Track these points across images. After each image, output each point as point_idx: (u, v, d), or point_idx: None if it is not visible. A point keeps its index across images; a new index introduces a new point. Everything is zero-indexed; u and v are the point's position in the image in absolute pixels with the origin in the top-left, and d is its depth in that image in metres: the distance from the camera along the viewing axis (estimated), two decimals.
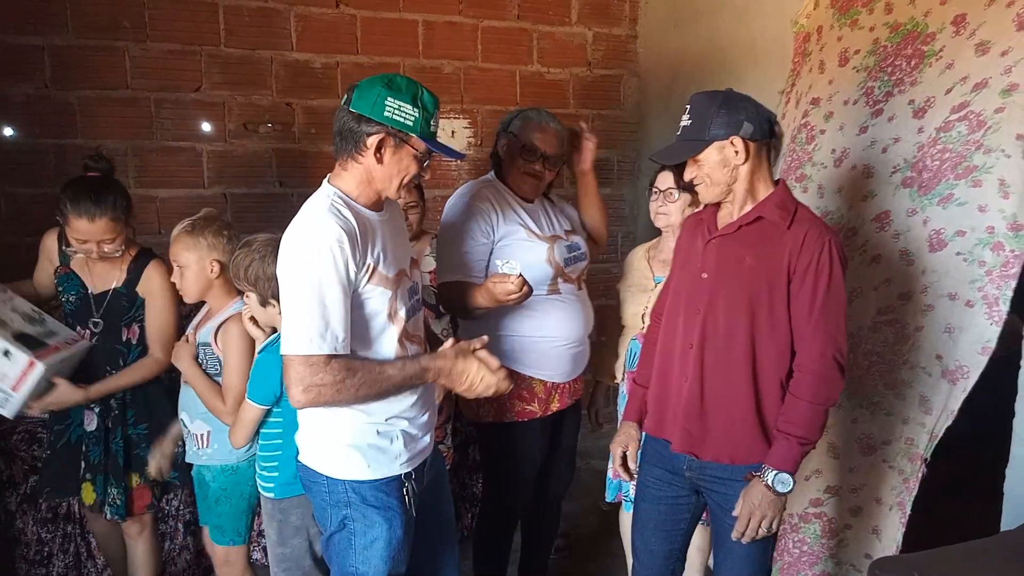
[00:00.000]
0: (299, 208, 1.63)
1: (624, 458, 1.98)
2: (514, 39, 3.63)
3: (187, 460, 2.17)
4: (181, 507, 2.71)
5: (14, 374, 2.03)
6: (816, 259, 1.68)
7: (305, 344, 1.53)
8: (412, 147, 1.63)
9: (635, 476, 1.97)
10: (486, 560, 2.39)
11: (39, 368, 2.03)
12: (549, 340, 2.21)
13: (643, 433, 1.98)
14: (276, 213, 3.14)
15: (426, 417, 1.75)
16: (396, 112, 1.59)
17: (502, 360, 2.07)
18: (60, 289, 2.28)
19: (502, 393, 1.74)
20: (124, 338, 2.28)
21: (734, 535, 1.74)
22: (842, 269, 1.70)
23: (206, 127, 3.14)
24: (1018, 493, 2.13)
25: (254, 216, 3.17)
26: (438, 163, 3.53)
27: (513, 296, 1.94)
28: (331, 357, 1.54)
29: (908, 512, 2.16)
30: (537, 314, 2.19)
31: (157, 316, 2.28)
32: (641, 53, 3.90)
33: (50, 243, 2.29)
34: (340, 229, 1.54)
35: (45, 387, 2.11)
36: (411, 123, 1.60)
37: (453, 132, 3.54)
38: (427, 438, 1.76)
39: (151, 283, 2.27)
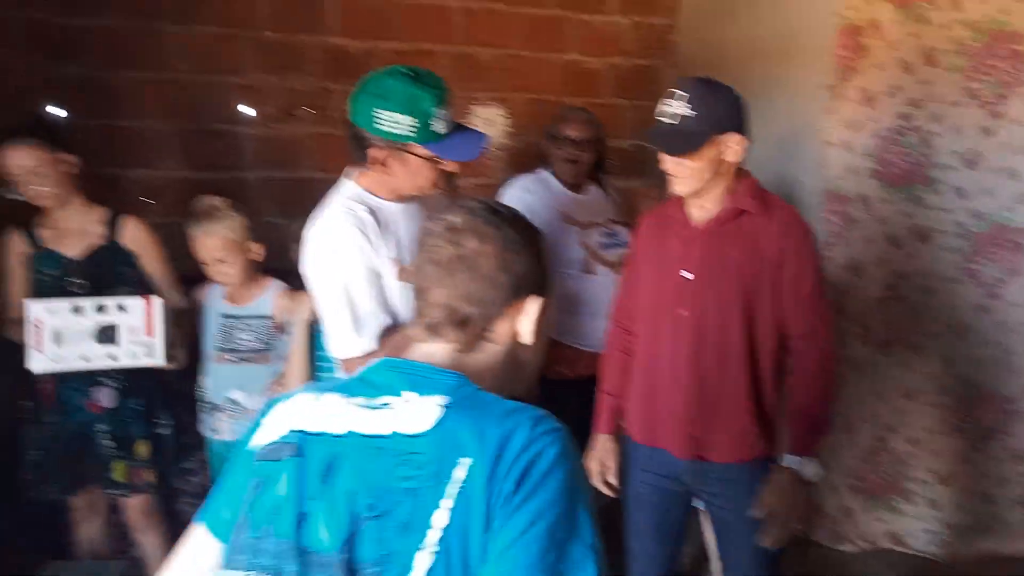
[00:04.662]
0: None
1: (604, 473, 1.94)
2: (552, 27, 3.61)
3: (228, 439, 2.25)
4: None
5: (141, 322, 2.06)
6: (802, 241, 1.72)
7: (344, 348, 1.59)
8: (416, 155, 1.56)
9: (618, 491, 1.93)
10: None
11: (158, 301, 2.07)
12: (577, 313, 2.49)
13: (626, 442, 1.94)
14: (315, 197, 3.13)
15: None
16: (389, 124, 1.51)
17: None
18: (37, 268, 2.21)
19: None
20: None
21: (769, 542, 1.71)
22: None
23: (247, 111, 3.18)
24: None
25: (294, 201, 3.20)
26: None
27: None
28: (368, 354, 1.57)
29: None
30: (568, 289, 2.48)
31: (164, 262, 2.32)
32: (679, 43, 3.86)
33: (13, 241, 2.24)
34: (354, 228, 1.57)
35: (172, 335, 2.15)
36: (408, 133, 1.52)
37: (490, 120, 3.55)
38: None
39: (138, 234, 2.28)
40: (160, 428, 2.36)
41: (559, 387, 2.48)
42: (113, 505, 2.48)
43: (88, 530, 2.44)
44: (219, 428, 2.29)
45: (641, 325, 1.87)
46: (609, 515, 3.12)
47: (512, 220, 1.00)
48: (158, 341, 2.08)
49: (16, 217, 2.29)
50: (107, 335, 2.04)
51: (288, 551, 0.83)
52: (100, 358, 2.06)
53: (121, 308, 2.05)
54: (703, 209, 1.75)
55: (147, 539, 2.41)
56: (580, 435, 2.72)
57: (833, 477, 2.86)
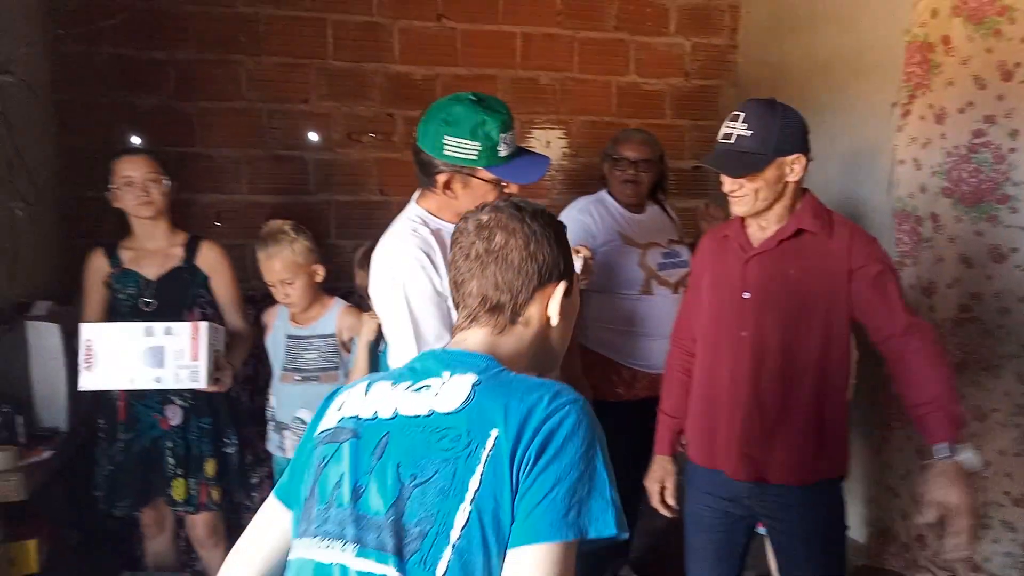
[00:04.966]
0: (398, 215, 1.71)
1: (662, 493, 1.92)
2: (611, 50, 3.62)
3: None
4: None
5: (187, 346, 2.11)
6: (870, 250, 1.69)
7: None
8: (481, 179, 1.60)
9: (675, 511, 1.91)
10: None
11: (204, 326, 2.12)
12: (636, 334, 2.48)
13: (686, 463, 1.92)
14: (377, 220, 3.21)
15: None
16: (456, 149, 1.55)
17: (596, 347, 2.47)
18: (116, 287, 2.31)
19: None
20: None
21: (954, 547, 1.51)
22: None
23: (313, 137, 3.28)
24: None
25: (356, 223, 3.28)
26: None
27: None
28: None
29: None
30: (627, 310, 2.48)
31: (232, 286, 2.40)
32: (740, 63, 3.83)
33: (97, 259, 2.33)
34: (419, 250, 1.61)
35: (214, 358, 2.18)
36: (474, 157, 1.56)
37: (549, 142, 3.57)
38: None
39: (212, 257, 2.37)
40: (226, 447, 2.42)
41: (617, 408, 2.47)
42: (180, 520, 2.56)
43: (156, 544, 2.52)
44: (286, 446, 2.34)
45: (701, 345, 1.85)
46: (667, 537, 3.08)
47: (534, 214, 1.11)
48: (202, 365, 2.10)
49: (101, 238, 2.42)
50: (154, 358, 2.10)
51: (347, 518, 0.96)
52: (146, 380, 2.11)
53: (168, 332, 2.11)
54: (763, 229, 1.73)
55: (212, 556, 2.46)
56: (639, 456, 2.72)
57: (903, 503, 2.76)
